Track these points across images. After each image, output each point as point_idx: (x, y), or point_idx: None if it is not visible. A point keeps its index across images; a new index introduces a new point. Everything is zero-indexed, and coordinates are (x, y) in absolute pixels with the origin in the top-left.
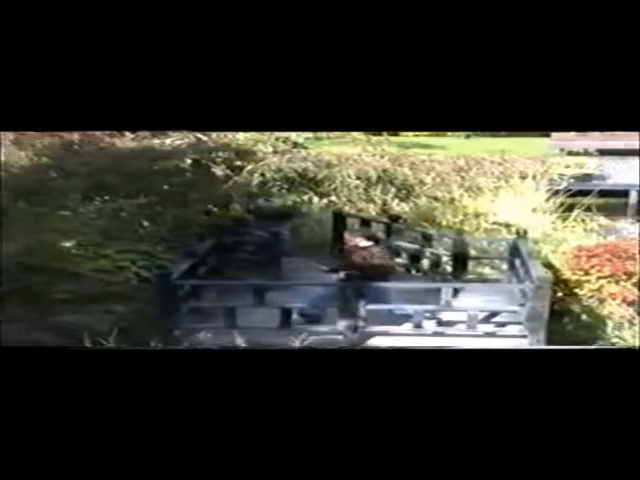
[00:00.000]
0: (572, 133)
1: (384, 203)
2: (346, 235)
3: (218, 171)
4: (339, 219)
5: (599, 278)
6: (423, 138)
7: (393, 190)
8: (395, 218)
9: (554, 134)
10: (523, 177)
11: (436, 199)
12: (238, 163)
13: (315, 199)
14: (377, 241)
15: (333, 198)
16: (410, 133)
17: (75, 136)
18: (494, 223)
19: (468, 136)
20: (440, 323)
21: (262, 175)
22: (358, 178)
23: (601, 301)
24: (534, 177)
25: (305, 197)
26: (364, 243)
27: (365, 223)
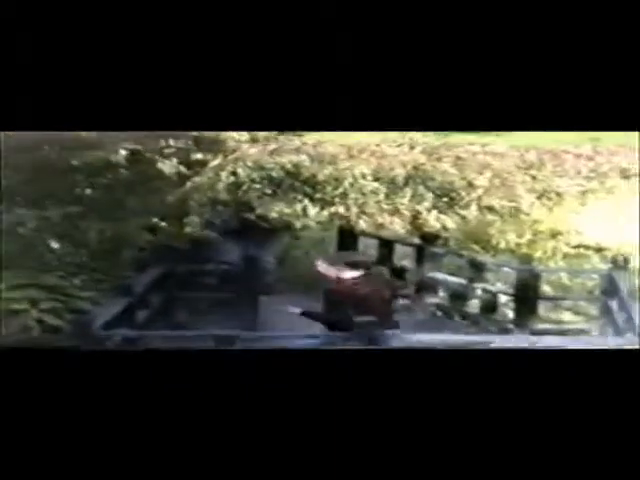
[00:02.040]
0: None
1: (415, 216)
2: (320, 265)
3: (168, 168)
4: (348, 239)
5: None
6: None
7: (429, 197)
8: (431, 238)
9: None
10: (625, 176)
11: (492, 210)
12: (198, 156)
13: (313, 209)
14: (368, 268)
15: (340, 209)
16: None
17: None
18: (579, 246)
19: None
20: None
21: (234, 174)
22: (377, 179)
23: None
24: None
25: (298, 206)
26: (349, 274)
27: (385, 245)
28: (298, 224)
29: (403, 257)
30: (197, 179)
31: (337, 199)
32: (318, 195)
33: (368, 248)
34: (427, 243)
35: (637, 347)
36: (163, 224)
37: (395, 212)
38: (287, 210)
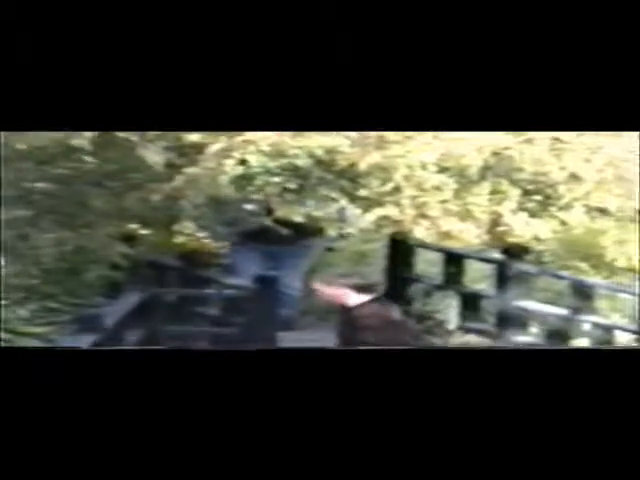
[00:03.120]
0: None
1: (496, 221)
2: (320, 287)
3: (152, 155)
4: (401, 252)
5: None
6: None
7: (515, 194)
8: (519, 252)
9: None
10: None
11: (605, 212)
12: (193, 139)
13: (352, 210)
14: (374, 291)
15: (390, 210)
16: None
17: None
18: None
19: None
20: None
21: (243, 163)
22: (442, 170)
23: None
24: None
25: (331, 207)
26: (356, 298)
27: (453, 261)
28: (332, 231)
29: (479, 278)
30: (192, 170)
31: (387, 197)
32: (360, 192)
33: (430, 265)
34: (513, 259)
35: (637, 347)
36: (145, 232)
37: (467, 215)
38: (317, 212)
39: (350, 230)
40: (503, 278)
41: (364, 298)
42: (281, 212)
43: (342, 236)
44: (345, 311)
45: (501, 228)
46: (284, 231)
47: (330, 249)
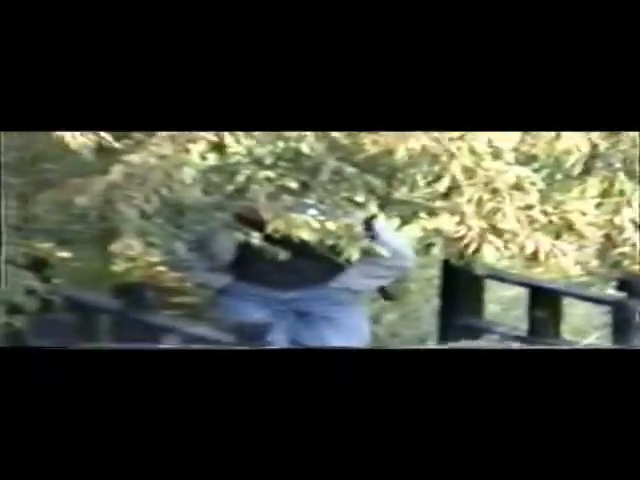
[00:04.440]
0: None
1: (610, 238)
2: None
3: (76, 134)
4: (462, 285)
5: None
6: None
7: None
8: None
9: None
10: None
11: None
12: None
13: (386, 223)
14: None
15: (442, 221)
16: None
17: None
18: None
19: None
20: None
21: (218, 149)
22: (527, 159)
23: None
24: None
25: (354, 217)
26: None
27: (544, 297)
28: (354, 253)
29: (585, 329)
30: (138, 158)
31: (439, 201)
32: (397, 194)
33: (507, 306)
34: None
35: (637, 347)
36: (64, 254)
37: (565, 229)
38: (331, 225)
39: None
40: (624, 328)
41: None
42: (276, 223)
43: (388, 268)
44: None
45: (620, 249)
46: (280, 252)
47: (387, 295)
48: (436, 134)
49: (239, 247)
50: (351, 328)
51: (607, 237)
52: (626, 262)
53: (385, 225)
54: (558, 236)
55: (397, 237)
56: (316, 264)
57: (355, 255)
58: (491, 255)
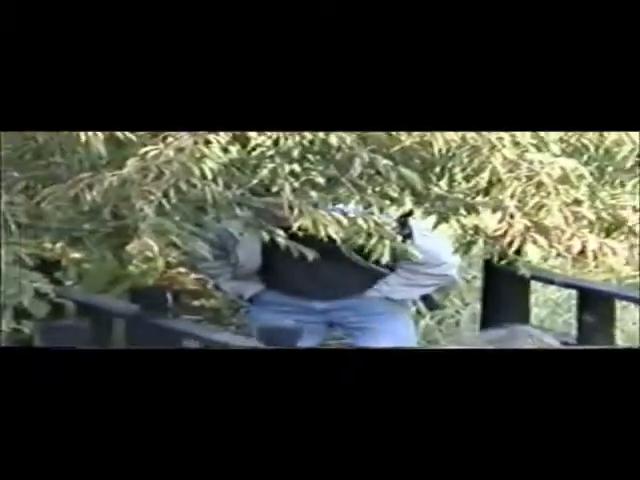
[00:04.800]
0: None
1: None
2: None
3: None
4: (505, 287)
5: None
6: None
7: None
8: None
9: None
10: None
11: None
12: None
13: (423, 220)
14: None
15: (483, 218)
16: None
17: None
18: None
19: None
20: None
21: (240, 141)
22: (574, 150)
23: None
24: None
25: (386, 212)
26: None
27: (595, 301)
28: (384, 253)
29: None
30: (153, 151)
31: (479, 197)
32: (434, 189)
33: (554, 309)
34: None
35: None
36: (76, 255)
37: (617, 227)
38: (361, 222)
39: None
40: None
41: None
42: (304, 221)
43: (431, 276)
44: None
45: None
46: (306, 252)
47: (432, 303)
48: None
49: (267, 251)
50: (394, 338)
51: None
52: None
53: (424, 227)
54: (608, 234)
55: (438, 241)
56: (351, 272)
57: (385, 255)
58: (536, 255)
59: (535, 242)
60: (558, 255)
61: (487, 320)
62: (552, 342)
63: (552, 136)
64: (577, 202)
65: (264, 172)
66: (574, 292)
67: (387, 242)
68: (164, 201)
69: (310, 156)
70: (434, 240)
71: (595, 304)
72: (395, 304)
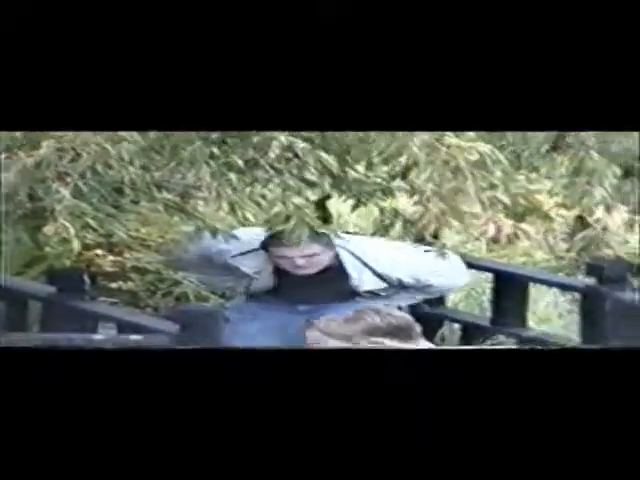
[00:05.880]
0: None
1: (581, 220)
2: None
3: None
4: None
5: None
6: None
7: (614, 173)
8: (622, 271)
9: None
10: None
11: None
12: None
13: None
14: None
15: (399, 202)
16: None
17: None
18: None
19: None
20: None
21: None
22: (494, 136)
23: None
24: None
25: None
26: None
27: (508, 283)
28: (303, 236)
29: (551, 317)
30: (71, 132)
31: (395, 182)
32: (352, 173)
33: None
34: (611, 284)
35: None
36: None
37: (532, 211)
38: (280, 205)
39: None
40: (595, 316)
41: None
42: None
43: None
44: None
45: (591, 232)
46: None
47: None
48: None
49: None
50: None
51: (576, 219)
52: (596, 246)
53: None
54: (523, 218)
55: (432, 265)
56: (331, 292)
57: (305, 237)
58: (451, 239)
59: (451, 226)
60: (475, 239)
61: None
62: (402, 315)
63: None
64: (493, 187)
65: (183, 154)
66: (489, 275)
67: (306, 225)
68: (80, 183)
69: (229, 139)
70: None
71: (510, 287)
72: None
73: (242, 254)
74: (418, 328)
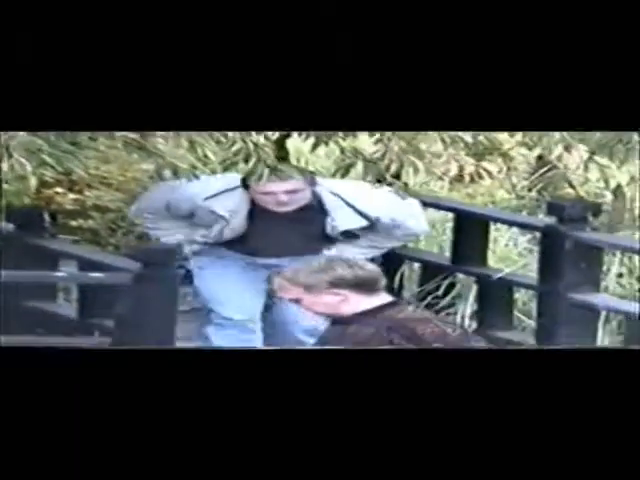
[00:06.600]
0: None
1: (542, 159)
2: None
3: None
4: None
5: None
6: None
7: None
8: (583, 210)
9: None
10: None
11: None
12: None
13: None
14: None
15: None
16: None
17: None
18: None
19: None
20: None
21: None
22: None
23: None
24: None
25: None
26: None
27: (468, 223)
28: (264, 174)
29: (512, 256)
30: None
31: None
32: None
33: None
34: (571, 223)
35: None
36: None
37: (491, 150)
38: (241, 143)
39: None
40: (555, 256)
41: (369, 301)
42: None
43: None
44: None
45: (551, 172)
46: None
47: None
48: None
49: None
50: None
51: (537, 158)
52: (557, 184)
53: (390, 195)
54: (484, 157)
55: (402, 207)
56: (305, 234)
57: (264, 176)
58: (411, 178)
59: (412, 165)
60: (438, 179)
61: None
62: (372, 267)
63: None
64: None
65: None
66: (450, 215)
67: (265, 163)
68: None
69: None
70: (398, 207)
71: (470, 226)
72: None
73: (216, 195)
74: (383, 281)
